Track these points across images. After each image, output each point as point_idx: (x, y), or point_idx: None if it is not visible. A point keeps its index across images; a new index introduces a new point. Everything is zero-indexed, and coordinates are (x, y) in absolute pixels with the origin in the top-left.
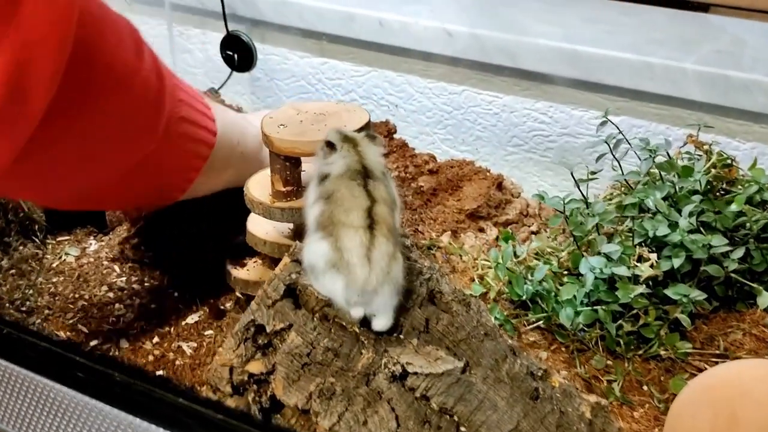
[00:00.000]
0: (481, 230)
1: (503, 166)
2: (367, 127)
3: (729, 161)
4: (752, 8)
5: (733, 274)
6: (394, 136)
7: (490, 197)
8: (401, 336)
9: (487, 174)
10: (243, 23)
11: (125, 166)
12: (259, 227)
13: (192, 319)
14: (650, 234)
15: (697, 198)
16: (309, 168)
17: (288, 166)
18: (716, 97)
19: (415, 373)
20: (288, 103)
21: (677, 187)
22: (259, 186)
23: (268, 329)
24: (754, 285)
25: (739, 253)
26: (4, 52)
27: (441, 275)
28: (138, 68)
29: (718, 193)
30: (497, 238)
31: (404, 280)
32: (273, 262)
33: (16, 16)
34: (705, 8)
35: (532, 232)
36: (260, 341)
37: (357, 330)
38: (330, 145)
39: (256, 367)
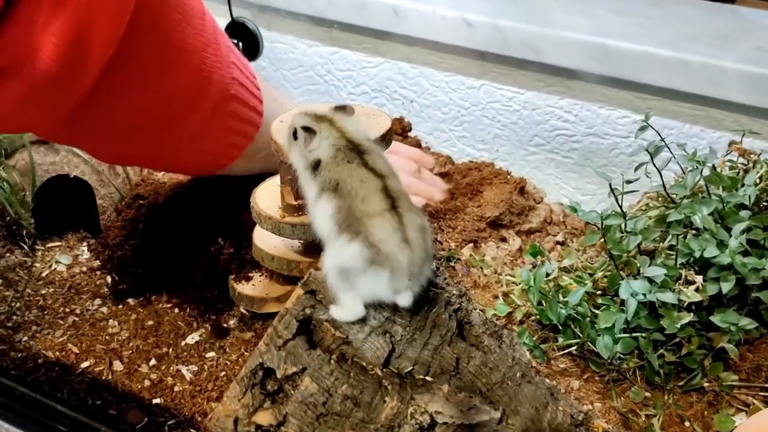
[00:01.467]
0: (503, 240)
1: (523, 167)
2: (388, 134)
3: None
4: None
5: None
6: (409, 134)
7: (513, 203)
8: (428, 378)
9: (508, 177)
10: (248, 8)
11: (171, 135)
12: (266, 240)
13: (192, 338)
14: (696, 254)
15: (745, 214)
16: None
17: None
18: (757, 99)
19: (445, 423)
20: (300, 106)
21: (724, 202)
22: (268, 198)
23: (279, 374)
24: None
25: None
26: (66, 14)
27: (468, 299)
28: (196, 45)
29: (762, 204)
30: (520, 249)
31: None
32: (280, 276)
33: None
34: None
35: (558, 242)
36: (270, 387)
37: (379, 373)
38: (308, 131)
39: (264, 418)
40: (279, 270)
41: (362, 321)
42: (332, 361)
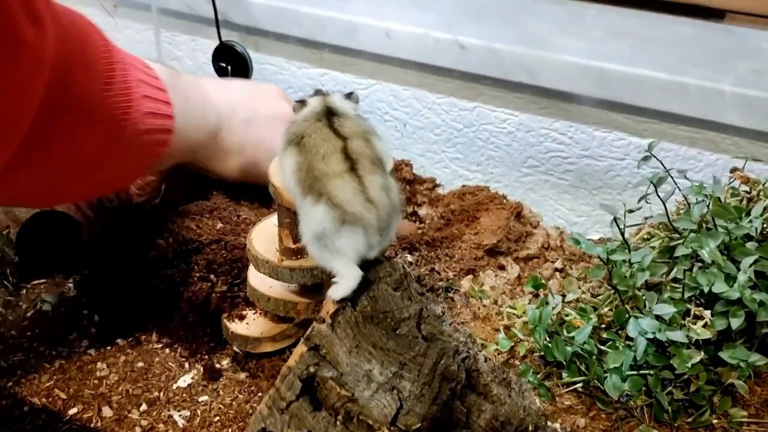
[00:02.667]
0: (502, 268)
1: (517, 188)
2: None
3: None
4: None
5: None
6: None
7: (510, 229)
8: None
9: (504, 202)
10: (236, 30)
11: (97, 172)
12: (262, 280)
13: (184, 381)
14: (705, 289)
15: (751, 245)
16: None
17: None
18: (755, 122)
19: None
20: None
21: (730, 234)
22: (264, 240)
23: None
24: None
25: None
26: None
27: (473, 341)
28: (106, 101)
29: (766, 232)
30: (519, 277)
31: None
32: (276, 315)
33: None
34: (721, 15)
35: (557, 269)
36: None
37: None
38: (301, 102)
39: None
40: (275, 311)
41: (368, 378)
42: (338, 423)
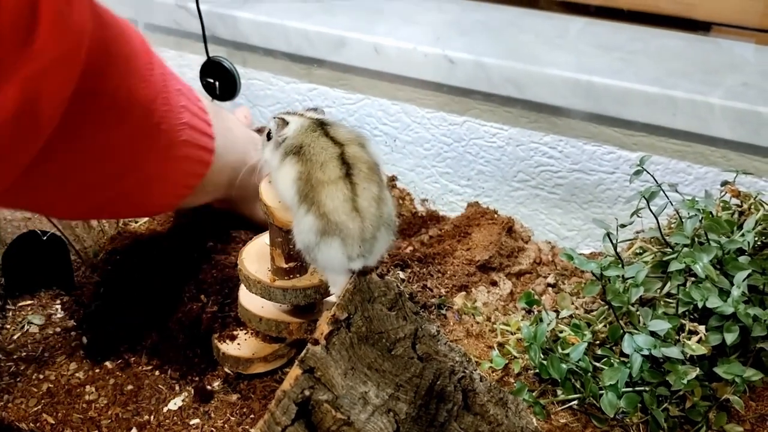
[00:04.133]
0: (494, 283)
1: (507, 203)
2: None
3: None
4: (759, 28)
5: None
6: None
7: (502, 245)
8: None
9: (495, 217)
10: (224, 46)
11: (121, 186)
12: (253, 300)
13: (175, 404)
14: (699, 304)
15: (744, 259)
16: None
17: (292, 240)
18: (745, 135)
19: None
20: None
21: (723, 248)
22: (256, 260)
23: None
24: None
25: None
26: (15, 84)
27: (468, 360)
28: (143, 97)
29: (757, 245)
30: (511, 293)
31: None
32: (268, 335)
33: (29, 48)
34: (707, 27)
35: (549, 285)
36: None
37: None
38: (282, 121)
39: None
40: (268, 332)
41: (364, 400)
42: None
